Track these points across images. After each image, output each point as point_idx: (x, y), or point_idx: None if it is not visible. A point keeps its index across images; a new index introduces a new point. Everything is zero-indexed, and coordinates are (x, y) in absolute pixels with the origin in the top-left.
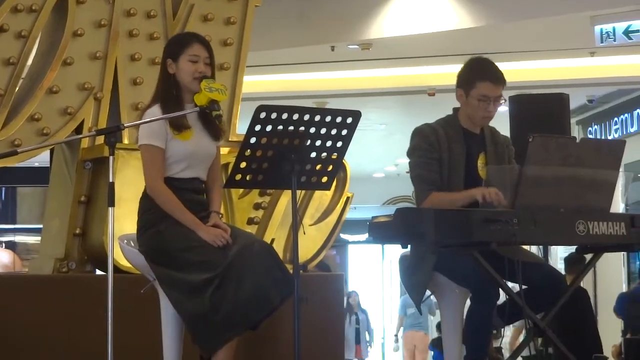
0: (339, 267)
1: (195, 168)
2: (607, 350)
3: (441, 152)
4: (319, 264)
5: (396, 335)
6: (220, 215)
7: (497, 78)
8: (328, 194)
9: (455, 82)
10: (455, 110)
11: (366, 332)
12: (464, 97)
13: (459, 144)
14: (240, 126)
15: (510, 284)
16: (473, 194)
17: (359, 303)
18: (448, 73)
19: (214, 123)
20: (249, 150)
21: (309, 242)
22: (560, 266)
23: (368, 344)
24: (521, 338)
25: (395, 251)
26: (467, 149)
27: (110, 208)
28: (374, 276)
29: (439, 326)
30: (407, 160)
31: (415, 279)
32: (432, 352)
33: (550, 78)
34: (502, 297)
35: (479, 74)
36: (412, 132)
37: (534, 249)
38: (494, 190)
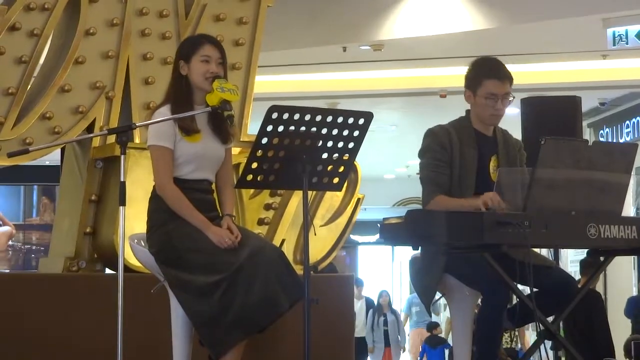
0: (348, 268)
1: (203, 170)
2: (619, 352)
3: (453, 154)
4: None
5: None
6: (233, 218)
7: (503, 75)
8: (339, 195)
9: (464, 84)
10: (468, 112)
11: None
12: (472, 98)
13: (471, 146)
14: (252, 126)
15: (520, 287)
16: (475, 205)
17: (389, 303)
18: (460, 75)
19: (223, 126)
20: (260, 151)
21: (320, 243)
22: (570, 269)
23: (400, 347)
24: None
25: (405, 252)
26: (479, 151)
27: (121, 207)
28: (384, 277)
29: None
30: (417, 162)
31: (425, 281)
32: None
33: (563, 80)
34: (513, 299)
35: (485, 72)
36: (425, 133)
37: (544, 251)
38: (491, 195)
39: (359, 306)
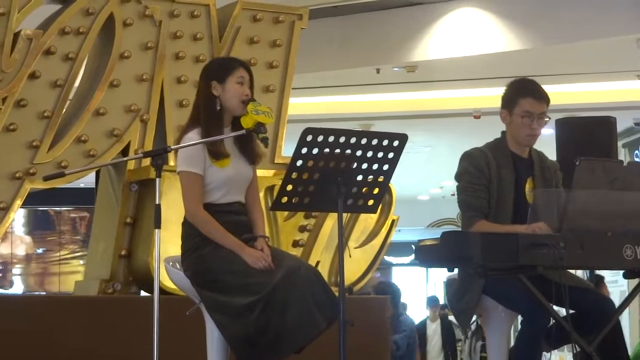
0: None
1: (234, 193)
2: None
3: (490, 176)
4: (379, 287)
5: None
6: (267, 239)
7: (540, 94)
8: (373, 217)
9: (500, 105)
10: (504, 133)
11: None
12: (508, 117)
13: (508, 168)
14: (286, 148)
15: (556, 308)
16: (519, 232)
17: None
18: (494, 96)
19: (250, 147)
20: (295, 173)
21: (354, 265)
22: None
23: None
24: None
25: (440, 274)
26: (515, 174)
27: (156, 230)
28: (418, 299)
29: None
30: (452, 183)
31: (464, 302)
32: None
33: (597, 101)
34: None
35: (521, 91)
36: (461, 156)
37: (579, 272)
38: (540, 225)
39: (432, 329)
